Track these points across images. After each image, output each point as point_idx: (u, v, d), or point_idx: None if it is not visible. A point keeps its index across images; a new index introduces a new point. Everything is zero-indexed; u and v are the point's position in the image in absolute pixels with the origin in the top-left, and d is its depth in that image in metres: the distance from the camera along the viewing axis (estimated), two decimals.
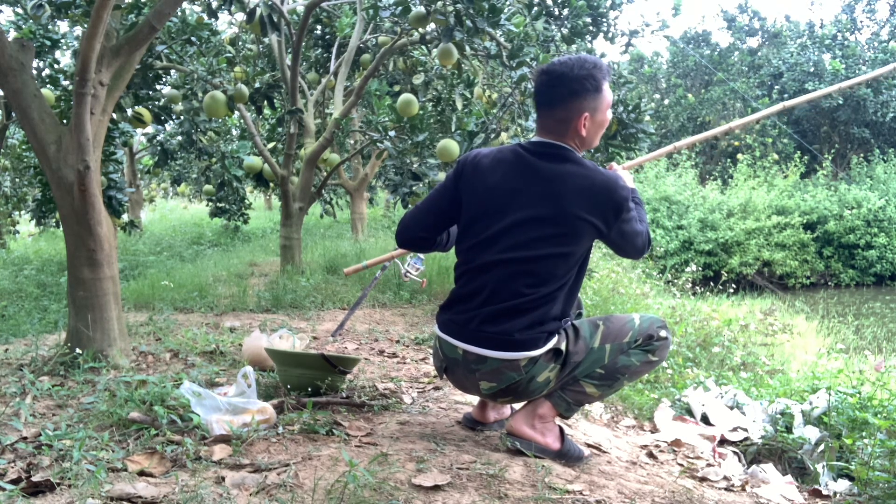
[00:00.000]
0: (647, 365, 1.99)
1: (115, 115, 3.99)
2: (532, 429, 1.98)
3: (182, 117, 5.96)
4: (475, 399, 2.47)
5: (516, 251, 1.87)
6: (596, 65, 1.90)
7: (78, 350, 2.78)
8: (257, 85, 5.77)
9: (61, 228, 3.59)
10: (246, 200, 10.66)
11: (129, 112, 4.71)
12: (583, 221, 1.85)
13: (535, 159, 1.92)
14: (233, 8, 4.64)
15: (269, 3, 4.78)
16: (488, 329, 1.88)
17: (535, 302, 1.87)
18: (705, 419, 3.05)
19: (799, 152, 16.93)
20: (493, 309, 1.88)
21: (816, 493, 2.40)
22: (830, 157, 17.45)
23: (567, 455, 1.99)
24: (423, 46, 5.18)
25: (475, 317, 1.90)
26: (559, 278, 1.88)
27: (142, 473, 1.69)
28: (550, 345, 1.90)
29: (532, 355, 1.88)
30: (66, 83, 4.37)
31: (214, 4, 4.69)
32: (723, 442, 2.85)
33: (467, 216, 1.97)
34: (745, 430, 2.92)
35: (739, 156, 17.38)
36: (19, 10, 4.38)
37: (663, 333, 2.00)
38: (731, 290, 9.53)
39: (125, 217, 6.38)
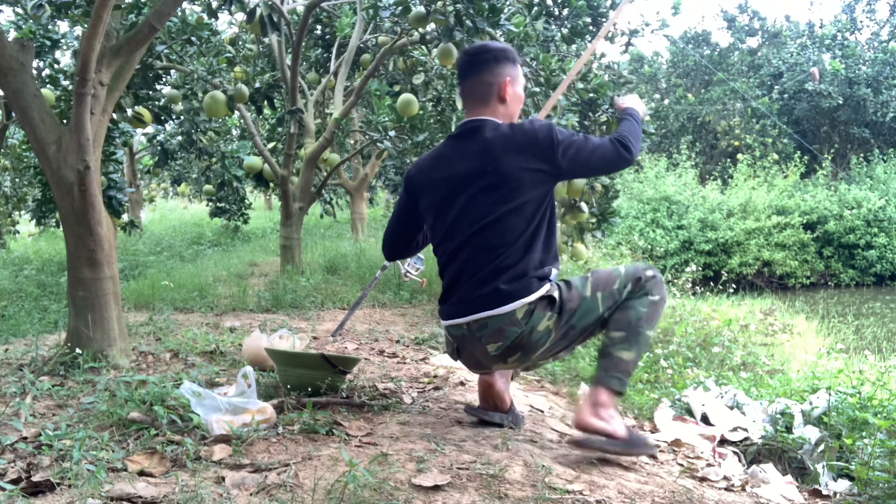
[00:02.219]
0: (653, 306, 2.04)
1: (115, 115, 3.98)
2: (598, 418, 1.98)
3: (182, 117, 5.96)
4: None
5: (477, 223, 2.01)
6: (509, 46, 2.17)
7: (78, 350, 2.78)
8: (257, 85, 5.77)
9: (61, 228, 3.59)
10: (246, 200, 10.66)
11: (129, 112, 4.71)
12: (521, 171, 1.98)
13: (463, 140, 2.09)
14: (233, 8, 4.64)
15: (269, 3, 4.78)
16: (479, 292, 2.00)
17: (512, 256, 1.98)
18: (705, 419, 3.05)
19: (799, 152, 16.92)
20: (478, 276, 2.00)
21: (816, 493, 2.40)
22: (830, 157, 17.44)
23: (635, 443, 2.01)
24: (423, 46, 5.18)
25: (467, 290, 2.02)
26: (524, 230, 2.00)
27: (142, 473, 1.69)
28: (543, 291, 1.98)
29: (527, 301, 1.96)
30: (66, 83, 4.37)
31: (214, 4, 4.69)
32: (723, 442, 2.85)
33: (430, 216, 2.15)
34: (745, 430, 2.92)
35: (739, 156, 17.37)
36: (19, 10, 4.37)
37: (650, 273, 2.06)
38: (731, 290, 9.52)
39: (125, 217, 6.37)
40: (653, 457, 2.40)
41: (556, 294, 2.01)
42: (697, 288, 9.06)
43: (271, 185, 7.29)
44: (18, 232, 10.64)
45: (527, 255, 1.98)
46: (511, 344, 1.99)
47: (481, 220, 2.00)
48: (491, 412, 2.26)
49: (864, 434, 2.60)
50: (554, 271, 2.06)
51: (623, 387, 2.03)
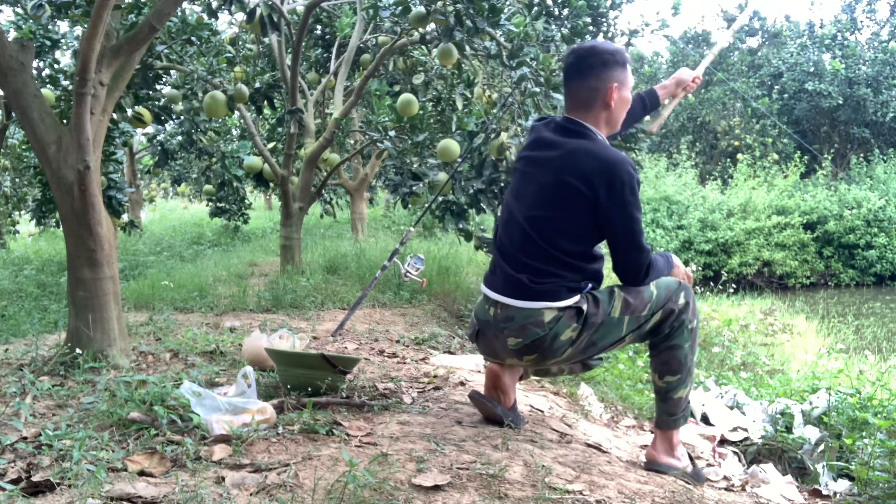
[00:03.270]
0: (692, 333, 2.09)
1: (115, 115, 3.98)
2: (672, 457, 2.11)
3: (182, 117, 5.95)
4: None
5: (530, 210, 2.04)
6: (620, 48, 2.12)
7: (78, 350, 2.78)
8: (257, 85, 5.77)
9: (61, 228, 3.59)
10: (246, 200, 10.65)
11: (129, 112, 4.71)
12: (571, 187, 1.97)
13: (557, 132, 2.09)
14: (233, 8, 4.64)
15: (269, 3, 4.78)
16: (513, 276, 2.02)
17: (547, 255, 2.00)
18: (705, 419, 3.05)
19: (799, 152, 16.92)
20: (514, 258, 2.05)
21: (816, 493, 2.40)
22: (830, 157, 17.44)
23: (698, 476, 2.12)
24: (423, 46, 5.18)
25: (506, 268, 2.06)
26: (565, 243, 2.00)
27: (142, 473, 1.69)
28: (572, 301, 2.00)
29: (555, 306, 1.98)
30: (66, 83, 4.37)
31: (214, 4, 4.69)
32: (723, 442, 2.85)
33: (511, 180, 2.24)
34: (745, 430, 2.92)
35: (739, 156, 17.37)
36: (19, 10, 4.37)
37: (682, 301, 2.07)
38: (731, 290, 9.53)
39: (125, 217, 6.37)
40: None
41: (584, 306, 2.02)
42: (697, 288, 9.07)
43: (271, 185, 7.29)
44: (18, 232, 10.63)
45: (558, 263, 2.00)
46: (530, 343, 2.01)
47: (533, 209, 2.03)
48: (494, 403, 2.26)
49: (864, 434, 2.61)
50: (590, 285, 2.07)
51: (685, 420, 2.14)
